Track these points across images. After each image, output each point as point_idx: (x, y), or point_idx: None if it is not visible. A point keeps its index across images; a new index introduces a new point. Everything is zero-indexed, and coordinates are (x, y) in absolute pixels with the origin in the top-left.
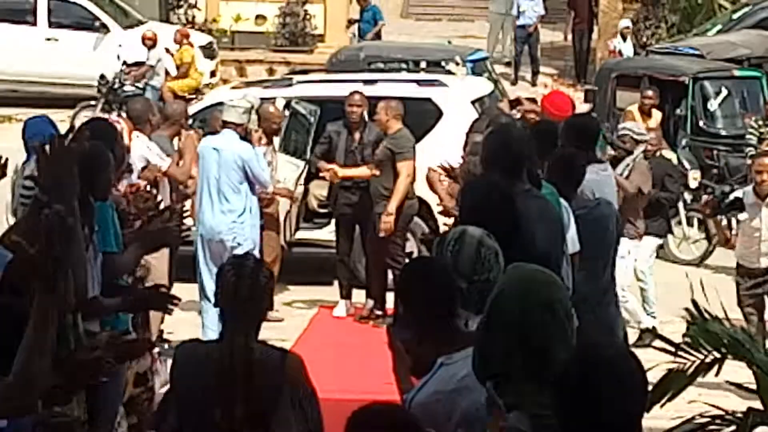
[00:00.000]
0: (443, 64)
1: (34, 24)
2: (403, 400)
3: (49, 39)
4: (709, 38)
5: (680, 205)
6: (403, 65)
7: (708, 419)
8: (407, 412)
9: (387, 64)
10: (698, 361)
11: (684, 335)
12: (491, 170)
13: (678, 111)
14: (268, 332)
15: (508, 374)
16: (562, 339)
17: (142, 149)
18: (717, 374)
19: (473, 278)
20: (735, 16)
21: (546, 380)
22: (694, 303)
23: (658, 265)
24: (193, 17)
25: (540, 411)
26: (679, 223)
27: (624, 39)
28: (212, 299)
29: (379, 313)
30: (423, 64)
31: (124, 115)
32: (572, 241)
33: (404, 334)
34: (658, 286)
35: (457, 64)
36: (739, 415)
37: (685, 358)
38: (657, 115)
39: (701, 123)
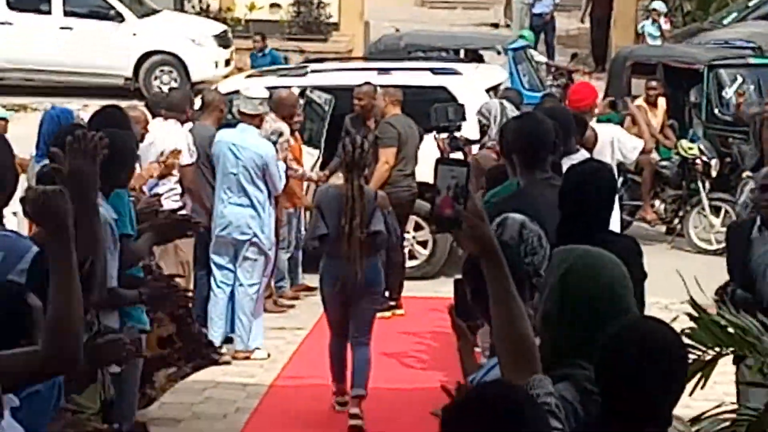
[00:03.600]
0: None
1: (49, 13)
2: (467, 381)
3: (63, 28)
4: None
5: (703, 194)
6: (444, 53)
7: (731, 411)
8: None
9: (427, 52)
10: (696, 358)
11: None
12: (512, 156)
13: (693, 99)
14: (283, 320)
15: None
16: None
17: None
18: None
19: None
20: (751, 3)
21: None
22: (692, 301)
23: (676, 255)
24: (208, 5)
25: (591, 386)
26: (702, 210)
27: (653, 22)
28: (223, 290)
29: (393, 303)
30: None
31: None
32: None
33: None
34: (674, 274)
35: (499, 52)
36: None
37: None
38: (662, 103)
39: (716, 111)
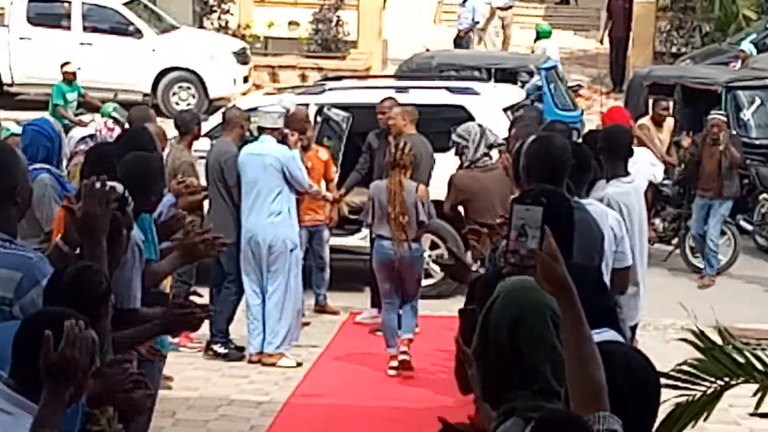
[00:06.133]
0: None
1: (69, 28)
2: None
3: (83, 43)
4: None
5: None
6: (476, 73)
7: None
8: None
9: (459, 71)
10: (700, 393)
11: (680, 365)
12: (531, 179)
13: None
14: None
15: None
16: (548, 343)
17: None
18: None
19: None
20: None
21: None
22: (697, 333)
23: (676, 275)
24: (227, 23)
25: (532, 415)
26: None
27: (743, 62)
28: (255, 298)
29: None
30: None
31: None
32: (623, 256)
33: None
34: (677, 294)
35: (530, 73)
36: None
37: (689, 389)
38: (669, 123)
39: (734, 132)
